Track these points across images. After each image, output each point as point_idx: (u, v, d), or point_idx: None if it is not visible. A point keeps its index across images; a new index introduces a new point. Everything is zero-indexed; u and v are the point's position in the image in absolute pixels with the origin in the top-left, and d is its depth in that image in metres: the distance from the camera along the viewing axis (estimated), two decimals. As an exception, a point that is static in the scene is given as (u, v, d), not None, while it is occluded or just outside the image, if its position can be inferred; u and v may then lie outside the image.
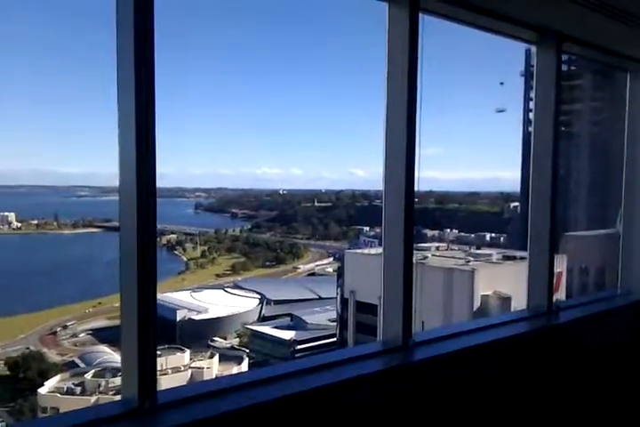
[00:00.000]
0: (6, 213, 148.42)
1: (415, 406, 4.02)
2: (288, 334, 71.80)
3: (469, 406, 4.43)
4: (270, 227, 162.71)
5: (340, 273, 60.54)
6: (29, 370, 68.92)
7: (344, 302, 54.28)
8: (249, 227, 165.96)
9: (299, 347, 68.21)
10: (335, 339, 59.80)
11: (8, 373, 72.06)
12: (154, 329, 2.67)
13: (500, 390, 4.73)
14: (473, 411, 4.47)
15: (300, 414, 3.22)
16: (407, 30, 3.93)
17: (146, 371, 2.66)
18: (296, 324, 75.30)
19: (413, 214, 4.00)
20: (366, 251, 58.99)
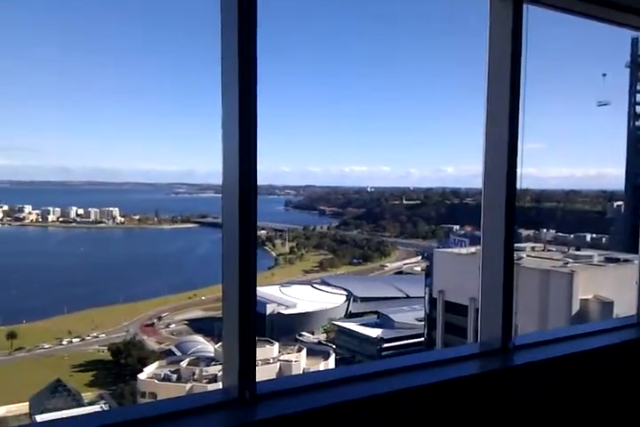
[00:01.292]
0: (111, 209, 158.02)
1: (514, 412, 3.85)
2: (374, 332, 71.87)
3: (572, 416, 4.20)
4: (358, 224, 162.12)
5: (428, 272, 59.81)
6: (130, 356, 73.49)
7: (432, 301, 53.56)
8: (336, 224, 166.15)
9: (385, 345, 68.05)
10: (422, 339, 59.15)
11: (111, 358, 77.19)
12: (253, 322, 2.72)
13: (606, 400, 4.44)
14: (576, 421, 4.23)
15: (395, 413, 3.18)
16: (510, 23, 3.76)
17: (246, 362, 2.71)
18: (383, 322, 75.17)
19: (514, 213, 3.83)
20: (456, 250, 57.86)
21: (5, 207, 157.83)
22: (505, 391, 3.81)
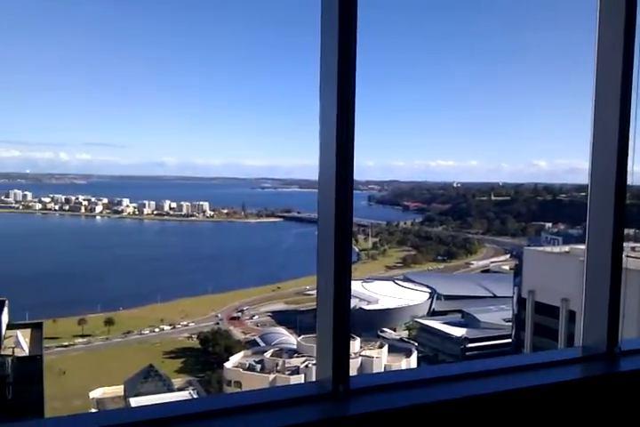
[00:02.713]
0: (202, 203, 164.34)
1: (619, 421, 3.61)
2: (459, 331, 70.28)
3: None
4: (443, 220, 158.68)
5: (517, 271, 57.60)
6: (217, 345, 76.21)
7: (521, 301, 51.57)
8: (420, 220, 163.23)
9: (470, 345, 66.38)
10: (510, 340, 57.12)
11: (199, 346, 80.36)
12: (348, 316, 2.71)
13: None
14: None
15: (489, 416, 3.07)
16: (623, 8, 3.49)
17: (340, 357, 2.70)
18: (468, 321, 73.35)
19: (624, 212, 3.57)
20: (548, 249, 55.31)
21: (105, 200, 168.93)
22: (610, 398, 3.58)
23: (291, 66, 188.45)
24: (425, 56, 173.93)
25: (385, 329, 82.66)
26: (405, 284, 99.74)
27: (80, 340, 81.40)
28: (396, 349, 61.98)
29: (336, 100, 2.62)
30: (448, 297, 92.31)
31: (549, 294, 43.90)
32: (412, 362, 59.53)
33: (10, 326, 41.57)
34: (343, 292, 2.72)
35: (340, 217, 2.71)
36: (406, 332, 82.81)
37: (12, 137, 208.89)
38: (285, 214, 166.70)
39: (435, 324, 74.08)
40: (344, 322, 2.70)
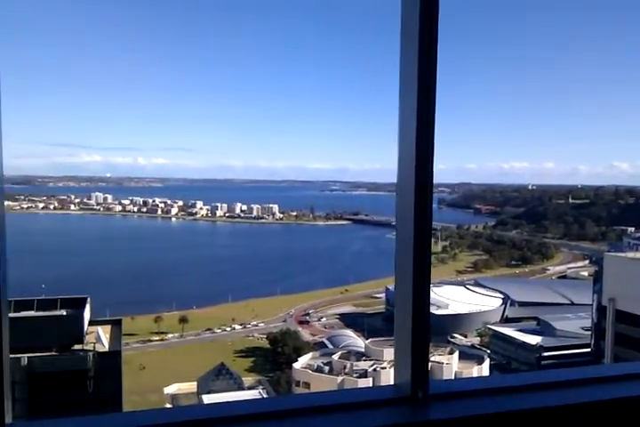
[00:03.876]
0: (271, 205, 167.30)
1: None
2: (533, 339, 67.70)
3: None
4: (516, 224, 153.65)
5: (597, 278, 54.85)
6: (286, 346, 77.09)
7: (601, 309, 49.05)
8: (493, 223, 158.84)
9: (545, 354, 63.79)
10: (589, 350, 54.44)
11: (269, 346, 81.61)
12: (427, 320, 2.63)
13: None
14: None
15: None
16: None
17: (419, 361, 2.63)
18: (543, 329, 70.53)
19: None
20: (631, 254, 52.35)
21: (180, 203, 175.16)
22: None
23: (359, 71, 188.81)
24: (499, 58, 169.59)
25: (455, 335, 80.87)
26: (477, 289, 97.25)
27: (156, 337, 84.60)
28: (467, 355, 60.46)
29: (416, 103, 2.57)
30: (522, 303, 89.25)
31: (632, 302, 41.55)
32: (484, 370, 57.86)
33: (91, 323, 43.77)
34: (422, 296, 2.66)
35: (420, 221, 2.65)
36: (478, 338, 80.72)
37: (94, 143, 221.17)
38: (353, 217, 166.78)
39: (508, 331, 71.75)
40: (423, 326, 2.64)
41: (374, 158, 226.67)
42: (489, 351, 67.86)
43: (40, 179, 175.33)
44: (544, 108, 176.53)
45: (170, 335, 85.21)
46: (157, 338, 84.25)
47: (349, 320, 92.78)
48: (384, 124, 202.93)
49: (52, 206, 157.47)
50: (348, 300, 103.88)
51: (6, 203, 2.03)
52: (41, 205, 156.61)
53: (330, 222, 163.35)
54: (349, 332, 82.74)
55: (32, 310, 39.71)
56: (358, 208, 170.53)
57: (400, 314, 2.69)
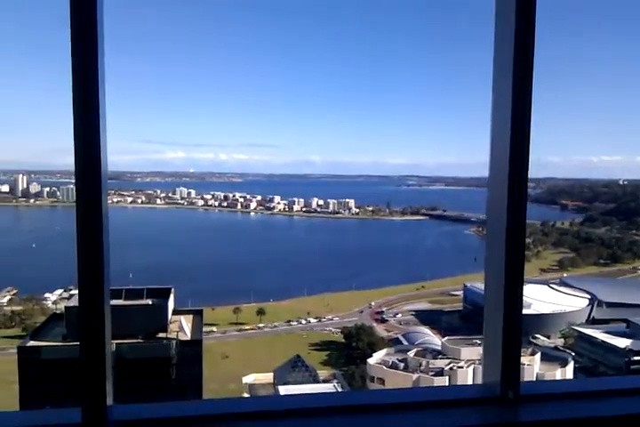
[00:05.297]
0: (347, 200, 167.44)
1: None
2: (622, 342, 63.97)
3: None
4: (606, 221, 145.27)
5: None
6: (360, 341, 77.17)
7: None
8: (580, 220, 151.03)
9: (635, 358, 60.14)
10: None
11: (343, 340, 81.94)
12: (520, 320, 2.53)
13: None
14: None
15: None
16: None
17: (511, 361, 2.55)
18: (633, 331, 66.49)
19: None
20: None
21: (259, 197, 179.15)
22: None
23: (434, 65, 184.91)
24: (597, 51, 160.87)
25: (538, 336, 77.85)
26: (562, 288, 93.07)
27: (235, 327, 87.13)
28: (550, 357, 58.06)
29: (511, 93, 2.45)
30: (610, 304, 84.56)
31: None
32: (568, 372, 55.34)
33: (175, 312, 45.67)
34: (515, 294, 2.59)
35: (514, 216, 2.56)
36: (562, 340, 77.31)
37: (178, 139, 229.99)
38: (431, 212, 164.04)
39: (595, 333, 68.20)
40: (516, 326, 2.58)
41: (451, 152, 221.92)
42: (573, 354, 64.86)
43: (129, 174, 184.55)
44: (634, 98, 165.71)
45: (247, 326, 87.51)
46: (236, 329, 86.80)
47: (425, 317, 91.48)
48: (461, 118, 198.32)
49: (139, 200, 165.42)
50: (424, 296, 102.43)
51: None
52: (129, 199, 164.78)
53: (406, 218, 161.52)
54: (425, 329, 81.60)
55: (120, 299, 41.87)
56: (436, 203, 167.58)
57: (490, 312, 2.61)
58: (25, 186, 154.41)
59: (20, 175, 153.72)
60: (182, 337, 42.57)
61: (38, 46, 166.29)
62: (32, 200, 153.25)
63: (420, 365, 54.38)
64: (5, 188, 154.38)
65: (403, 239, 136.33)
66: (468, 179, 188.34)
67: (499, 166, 2.54)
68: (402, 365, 54.86)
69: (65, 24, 1.92)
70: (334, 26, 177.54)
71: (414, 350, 58.83)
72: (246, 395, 54.10)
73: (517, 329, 2.52)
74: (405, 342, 70.55)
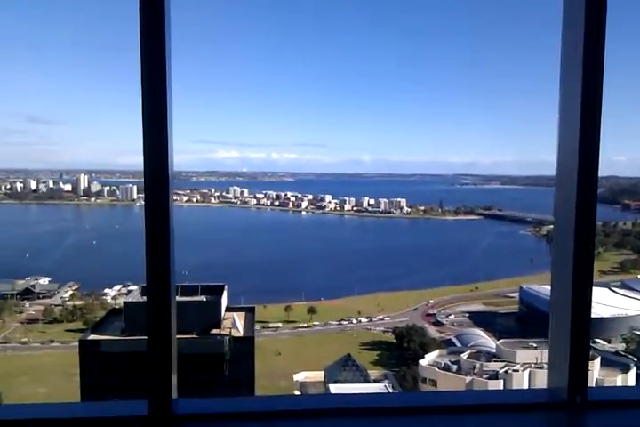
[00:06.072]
0: (399, 199, 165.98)
1: None
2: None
3: None
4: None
5: None
6: (412, 342, 76.33)
7: None
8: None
9: None
10: None
11: (394, 341, 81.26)
12: (588, 324, 2.46)
13: None
14: None
15: None
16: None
17: (578, 365, 2.47)
18: None
19: None
20: None
21: (310, 197, 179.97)
22: None
23: (496, 64, 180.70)
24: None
25: (597, 340, 74.94)
26: (623, 291, 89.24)
27: (286, 325, 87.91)
28: (611, 362, 55.77)
29: (581, 88, 2.38)
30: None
31: None
32: (630, 379, 53.05)
33: (228, 309, 46.46)
34: (584, 297, 2.51)
35: (582, 216, 2.46)
36: (623, 345, 74.15)
37: (232, 139, 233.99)
38: (486, 212, 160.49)
39: (660, 338, 65.08)
40: (584, 330, 2.49)
41: (507, 150, 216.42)
42: (635, 359, 62.12)
43: (184, 173, 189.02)
44: None
45: (298, 325, 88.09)
46: (287, 326, 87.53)
47: (479, 319, 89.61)
48: (516, 115, 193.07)
49: (194, 199, 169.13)
50: (478, 298, 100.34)
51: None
52: (185, 198, 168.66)
53: (460, 217, 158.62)
54: (479, 331, 79.93)
55: (176, 295, 42.89)
56: (490, 203, 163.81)
57: (557, 315, 2.55)
58: (86, 185, 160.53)
59: (82, 175, 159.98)
60: (235, 334, 43.26)
61: (102, 48, 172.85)
62: (93, 199, 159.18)
63: (474, 367, 53.32)
64: (68, 187, 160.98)
65: (455, 239, 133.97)
66: (525, 177, 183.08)
67: (567, 165, 2.46)
68: (455, 367, 53.95)
69: (135, 25, 1.98)
70: (383, 23, 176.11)
71: (467, 352, 57.74)
72: (297, 392, 54.47)
73: (585, 333, 2.44)
74: (458, 344, 69.34)
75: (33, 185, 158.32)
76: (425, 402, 2.58)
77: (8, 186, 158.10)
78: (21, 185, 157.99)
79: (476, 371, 52.84)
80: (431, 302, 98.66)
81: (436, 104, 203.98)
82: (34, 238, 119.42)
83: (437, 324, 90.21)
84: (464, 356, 55.77)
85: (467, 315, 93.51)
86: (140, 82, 1.99)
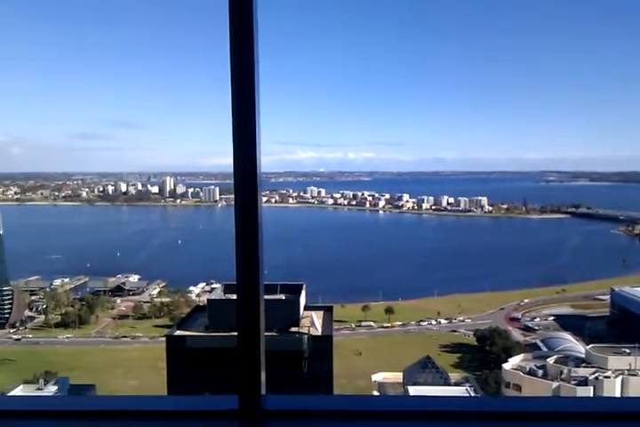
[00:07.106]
0: (480, 198, 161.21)
1: None
2: None
3: None
4: None
5: None
6: (495, 345, 74.07)
7: None
8: None
9: None
10: None
11: (476, 343, 79.14)
12: None
13: None
14: None
15: None
16: None
17: None
18: None
19: None
20: None
21: (387, 196, 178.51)
22: None
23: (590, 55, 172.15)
24: None
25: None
26: None
27: (363, 325, 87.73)
28: None
29: None
30: None
31: None
32: None
33: (306, 308, 46.95)
34: None
35: None
36: None
37: (309, 140, 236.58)
38: (573, 210, 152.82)
39: None
40: None
41: (596, 145, 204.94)
42: None
43: (264, 175, 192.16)
44: None
45: (376, 324, 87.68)
46: (364, 326, 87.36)
47: (566, 322, 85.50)
48: (606, 108, 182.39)
49: (273, 200, 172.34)
50: (566, 300, 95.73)
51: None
52: (264, 198, 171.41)
53: (545, 216, 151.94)
54: (567, 335, 76.27)
55: (258, 293, 43.76)
56: (579, 200, 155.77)
57: None
58: (172, 187, 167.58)
59: (168, 177, 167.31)
60: (313, 332, 43.64)
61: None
62: (178, 200, 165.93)
63: (561, 373, 50.94)
64: (155, 189, 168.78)
65: (541, 239, 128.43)
66: (615, 174, 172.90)
67: None
68: (540, 372, 51.79)
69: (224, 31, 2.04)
70: (469, 21, 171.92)
71: (554, 356, 55.27)
72: (375, 393, 54.22)
73: None
74: (544, 348, 66.53)
75: (123, 188, 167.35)
76: (510, 407, 2.47)
77: (101, 189, 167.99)
78: (113, 188, 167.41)
79: (563, 376, 50.49)
80: (515, 303, 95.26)
81: (522, 99, 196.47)
82: (124, 238, 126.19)
83: (522, 327, 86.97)
84: (550, 360, 53.47)
85: (553, 318, 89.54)
86: (230, 87, 2.04)
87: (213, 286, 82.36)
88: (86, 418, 2.30)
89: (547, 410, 2.42)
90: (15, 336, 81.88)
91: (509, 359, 56.78)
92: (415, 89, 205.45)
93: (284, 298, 45.97)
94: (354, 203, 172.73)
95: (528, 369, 52.56)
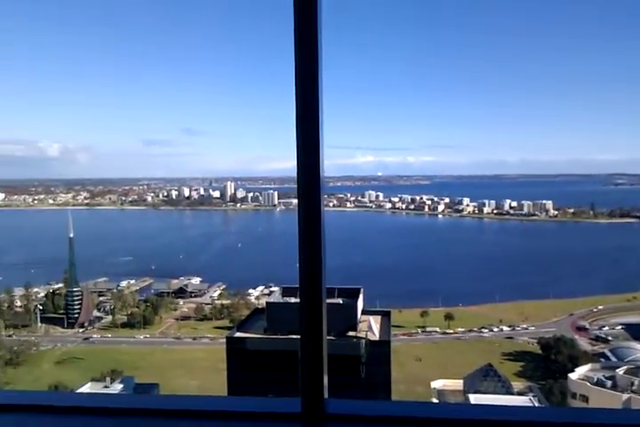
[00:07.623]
0: (544, 202, 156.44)
1: None
2: None
3: None
4: None
5: None
6: (560, 354, 71.44)
7: None
8: None
9: None
10: None
11: (540, 352, 76.57)
12: None
13: None
14: None
15: None
16: None
17: None
18: None
19: None
20: None
21: (447, 200, 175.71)
22: None
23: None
24: None
25: None
26: None
27: (421, 330, 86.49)
28: None
29: None
30: None
31: None
32: None
33: (363, 312, 46.76)
34: None
35: None
36: None
37: (367, 144, 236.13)
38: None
39: None
40: None
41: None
42: None
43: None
44: None
45: (435, 330, 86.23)
46: (424, 332, 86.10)
47: (638, 332, 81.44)
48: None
49: (331, 204, 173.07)
50: (637, 309, 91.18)
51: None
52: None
53: (615, 220, 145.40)
54: (638, 345, 72.66)
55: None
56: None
57: None
58: (232, 192, 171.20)
59: (229, 182, 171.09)
60: (371, 337, 43.39)
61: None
62: (238, 205, 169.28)
63: (632, 384, 48.51)
64: (217, 193, 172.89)
65: (610, 244, 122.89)
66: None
67: None
68: (609, 382, 49.49)
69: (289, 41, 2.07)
70: (522, 20, 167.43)
71: (624, 367, 52.69)
72: (435, 400, 53.30)
73: None
74: (613, 358, 63.58)
75: (186, 192, 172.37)
76: (578, 419, 2.37)
77: (165, 193, 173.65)
78: (176, 193, 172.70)
79: (634, 388, 48.09)
80: (581, 311, 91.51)
81: (589, 99, 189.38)
82: (187, 241, 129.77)
83: (588, 335, 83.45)
84: (620, 371, 51.03)
85: (623, 327, 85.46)
86: (295, 94, 2.08)
87: (272, 289, 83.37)
88: (150, 416, 2.38)
89: (617, 423, 2.32)
90: (84, 336, 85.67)
91: (576, 369, 54.61)
92: (476, 89, 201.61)
93: (341, 302, 45.97)
94: (412, 207, 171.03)
95: (596, 380, 50.36)
